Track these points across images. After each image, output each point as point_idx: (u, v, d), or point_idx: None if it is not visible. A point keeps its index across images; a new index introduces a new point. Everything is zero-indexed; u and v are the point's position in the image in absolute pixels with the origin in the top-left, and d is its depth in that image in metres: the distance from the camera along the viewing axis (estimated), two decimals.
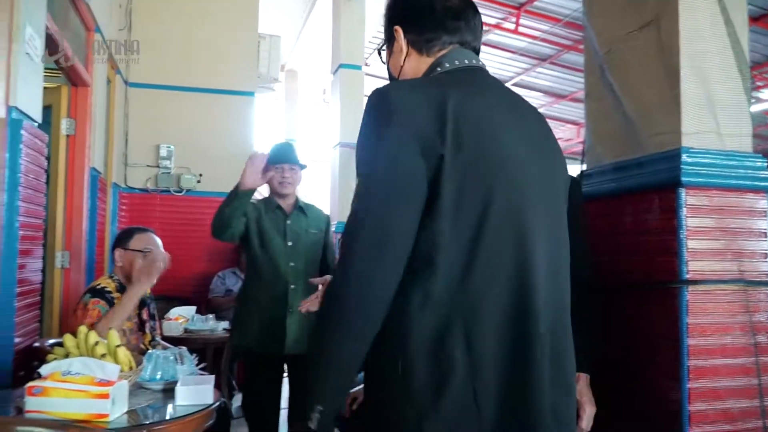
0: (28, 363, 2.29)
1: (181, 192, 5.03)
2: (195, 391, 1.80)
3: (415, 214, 1.01)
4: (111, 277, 2.53)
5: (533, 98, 11.37)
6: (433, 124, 1.01)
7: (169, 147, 5.03)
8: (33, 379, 1.66)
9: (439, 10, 1.18)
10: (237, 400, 4.18)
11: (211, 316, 3.96)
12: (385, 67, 1.29)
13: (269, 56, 6.80)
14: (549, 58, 9.70)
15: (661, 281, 1.90)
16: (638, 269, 2.01)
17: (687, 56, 1.94)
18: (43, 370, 1.68)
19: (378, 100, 1.06)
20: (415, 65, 1.20)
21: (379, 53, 1.29)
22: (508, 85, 10.28)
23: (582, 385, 1.68)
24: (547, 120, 1.22)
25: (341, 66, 5.94)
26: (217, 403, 1.84)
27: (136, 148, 4.98)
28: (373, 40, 8.19)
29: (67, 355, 1.82)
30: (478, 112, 1.05)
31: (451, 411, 0.99)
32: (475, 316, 1.01)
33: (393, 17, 1.22)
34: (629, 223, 2.08)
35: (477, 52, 1.21)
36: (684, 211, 1.89)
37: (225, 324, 3.91)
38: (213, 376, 1.97)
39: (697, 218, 1.90)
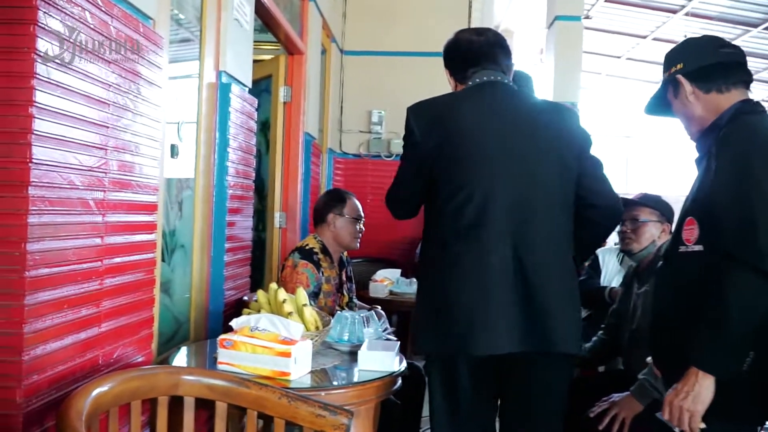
0: (238, 315, 2.44)
1: (391, 157, 5.09)
2: (378, 357, 1.74)
3: (415, 194, 1.86)
4: (315, 237, 2.59)
5: (711, 30, 8.95)
6: (430, 130, 1.72)
7: (380, 112, 5.10)
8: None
9: (460, 58, 1.84)
10: None
11: (415, 279, 3.95)
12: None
13: (482, 16, 6.51)
14: None
15: None
16: None
17: None
18: (235, 323, 1.73)
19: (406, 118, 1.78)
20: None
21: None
22: (678, 15, 8.55)
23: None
24: None
25: (557, 18, 5.46)
26: (401, 371, 1.75)
27: (350, 114, 5.14)
28: None
29: (259, 310, 1.87)
30: (465, 117, 1.71)
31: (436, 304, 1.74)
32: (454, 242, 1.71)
33: (445, 64, 1.90)
34: None
35: (504, 70, 1.81)
36: None
37: None
38: (398, 342, 1.89)
39: None
